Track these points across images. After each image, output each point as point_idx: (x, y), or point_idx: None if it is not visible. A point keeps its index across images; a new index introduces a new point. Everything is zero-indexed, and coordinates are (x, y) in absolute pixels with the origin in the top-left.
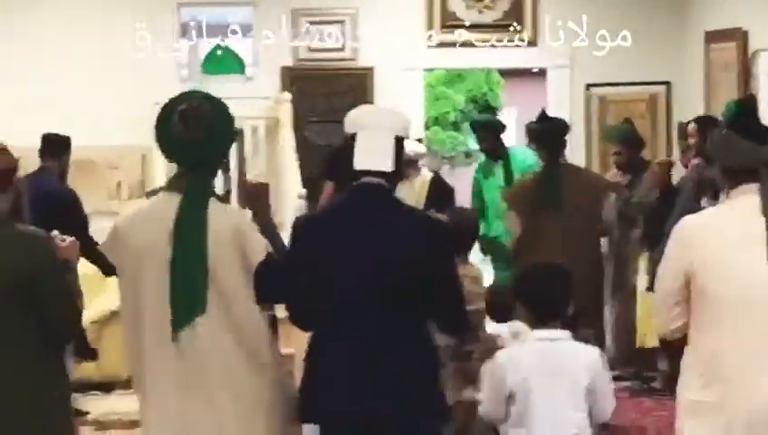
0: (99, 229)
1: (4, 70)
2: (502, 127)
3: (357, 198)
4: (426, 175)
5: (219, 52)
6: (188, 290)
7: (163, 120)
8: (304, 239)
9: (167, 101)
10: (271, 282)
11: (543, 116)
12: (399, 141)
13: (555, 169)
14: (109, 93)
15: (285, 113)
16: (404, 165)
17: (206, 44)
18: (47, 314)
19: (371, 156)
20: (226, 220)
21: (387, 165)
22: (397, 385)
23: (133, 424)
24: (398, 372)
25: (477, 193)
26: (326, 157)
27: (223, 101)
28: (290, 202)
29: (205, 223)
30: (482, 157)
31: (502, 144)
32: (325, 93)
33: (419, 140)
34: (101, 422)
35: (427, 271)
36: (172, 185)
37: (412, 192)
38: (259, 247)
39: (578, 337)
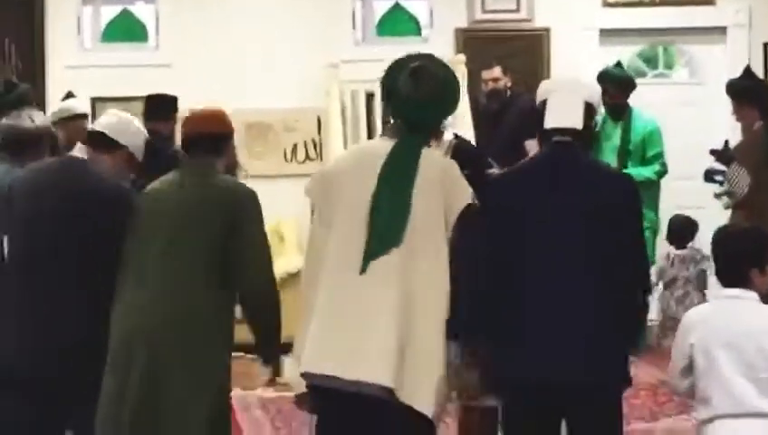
0: (275, 191)
1: (184, 37)
2: (633, 84)
3: (549, 156)
4: (448, 140)
5: (394, 12)
6: (387, 222)
7: (393, 75)
8: (498, 197)
9: (403, 55)
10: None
11: (749, 73)
12: (589, 107)
13: None
14: (284, 55)
15: (460, 75)
16: None
17: (382, 5)
18: (242, 261)
19: (561, 115)
20: (437, 162)
21: (576, 122)
22: (588, 348)
23: None
24: (591, 333)
25: None
26: None
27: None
28: None
29: (415, 163)
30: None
31: (627, 103)
32: (500, 56)
33: None
34: (279, 383)
35: (620, 224)
36: (390, 131)
37: None
38: (464, 192)
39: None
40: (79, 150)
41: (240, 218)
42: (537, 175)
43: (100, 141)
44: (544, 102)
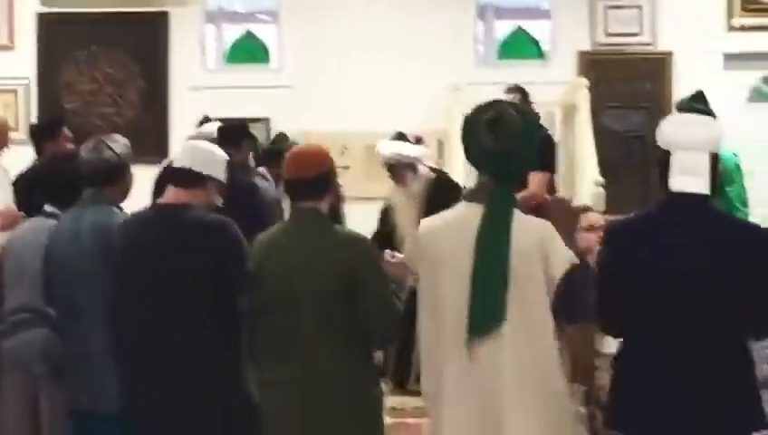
0: None
1: (306, 59)
2: (712, 117)
3: (675, 208)
4: (425, 174)
5: (516, 35)
6: (488, 299)
7: (470, 127)
8: (617, 247)
9: (473, 108)
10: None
11: None
12: (714, 157)
13: None
14: (406, 78)
15: (582, 99)
16: (401, 169)
17: (504, 27)
18: (367, 310)
19: (688, 178)
20: (531, 229)
21: (704, 187)
22: (717, 400)
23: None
24: (718, 386)
25: None
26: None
27: (530, 110)
28: (587, 189)
29: (508, 233)
30: None
31: None
32: (623, 78)
33: (418, 139)
34: (398, 409)
35: (749, 280)
36: (474, 195)
37: (411, 197)
38: (562, 258)
39: None
40: (168, 195)
41: (362, 274)
42: (662, 225)
43: (187, 178)
44: (667, 156)
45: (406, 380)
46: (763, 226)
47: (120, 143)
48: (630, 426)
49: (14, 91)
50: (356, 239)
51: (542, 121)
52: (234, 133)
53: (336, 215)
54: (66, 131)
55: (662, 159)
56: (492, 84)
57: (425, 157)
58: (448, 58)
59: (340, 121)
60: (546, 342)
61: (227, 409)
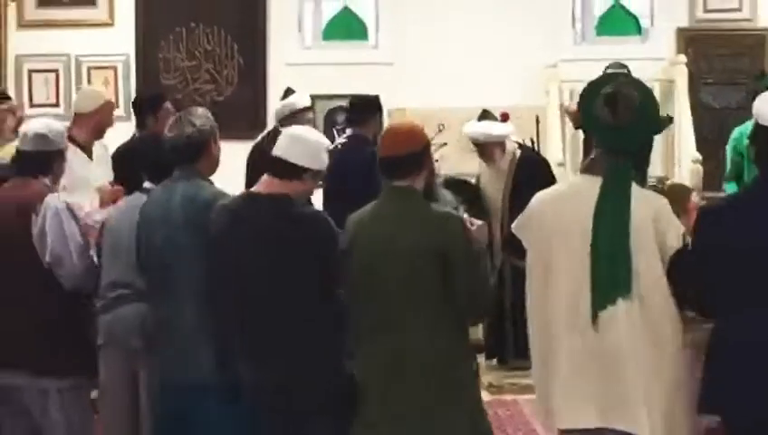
0: None
1: (404, 35)
2: None
3: None
4: (512, 150)
5: (614, 11)
6: (611, 270)
7: (587, 101)
8: (712, 228)
9: (590, 82)
10: (684, 272)
11: None
12: None
13: None
14: (504, 54)
15: (681, 75)
16: (489, 147)
17: (602, 4)
18: (458, 290)
19: None
20: (647, 204)
21: None
22: None
23: (526, 389)
24: None
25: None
26: None
27: (647, 86)
28: (685, 166)
29: (628, 204)
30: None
31: None
32: (721, 55)
33: (504, 117)
34: (496, 386)
35: None
36: (591, 168)
37: (500, 173)
38: (678, 233)
39: None
40: (263, 184)
41: (452, 256)
42: (762, 203)
43: (284, 169)
44: (764, 131)
45: (501, 353)
46: None
47: (200, 116)
48: (726, 408)
49: (114, 68)
50: (447, 220)
51: None
52: (366, 107)
53: (430, 191)
54: (169, 106)
55: (760, 136)
56: (589, 61)
57: (511, 134)
58: (546, 35)
59: (438, 99)
60: (659, 309)
61: (329, 392)
